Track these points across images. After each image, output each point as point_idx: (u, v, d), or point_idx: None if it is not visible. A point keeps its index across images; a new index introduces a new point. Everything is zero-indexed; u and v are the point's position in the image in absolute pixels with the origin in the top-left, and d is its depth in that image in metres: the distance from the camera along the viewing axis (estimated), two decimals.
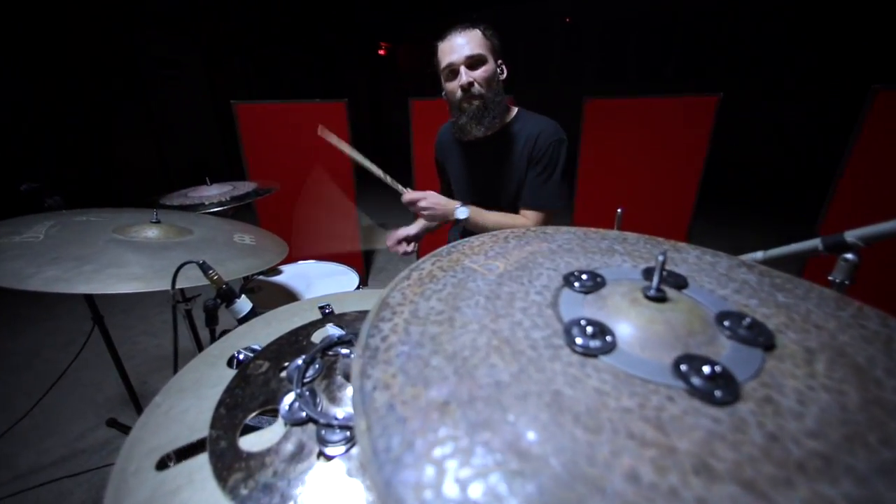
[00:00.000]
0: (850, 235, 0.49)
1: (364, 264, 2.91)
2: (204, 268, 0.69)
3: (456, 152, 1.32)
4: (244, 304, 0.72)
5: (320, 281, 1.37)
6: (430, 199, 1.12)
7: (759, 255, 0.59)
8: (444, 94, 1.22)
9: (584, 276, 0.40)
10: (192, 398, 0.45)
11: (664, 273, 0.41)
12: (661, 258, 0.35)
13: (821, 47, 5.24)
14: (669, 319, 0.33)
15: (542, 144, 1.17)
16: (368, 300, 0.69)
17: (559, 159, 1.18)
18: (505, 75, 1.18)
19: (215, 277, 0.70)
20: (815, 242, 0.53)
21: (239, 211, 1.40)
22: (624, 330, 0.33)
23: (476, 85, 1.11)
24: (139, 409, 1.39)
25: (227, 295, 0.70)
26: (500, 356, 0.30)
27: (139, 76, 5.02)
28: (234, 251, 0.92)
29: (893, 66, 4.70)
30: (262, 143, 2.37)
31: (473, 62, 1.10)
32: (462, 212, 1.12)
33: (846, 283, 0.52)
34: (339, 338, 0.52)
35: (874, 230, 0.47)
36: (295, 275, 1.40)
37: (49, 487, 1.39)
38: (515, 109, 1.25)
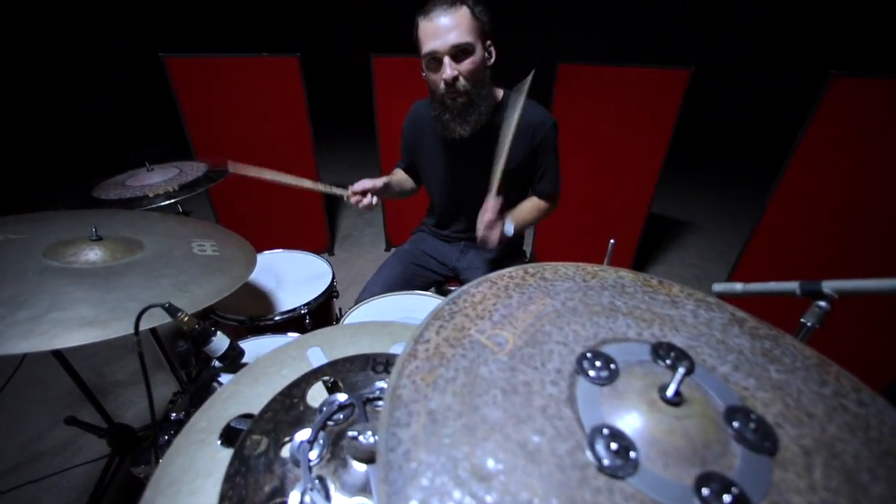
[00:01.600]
0: (827, 286, 0.53)
1: (329, 231, 2.79)
2: (171, 311, 0.62)
3: (434, 141, 1.23)
4: (221, 341, 0.67)
5: (290, 275, 1.30)
6: (491, 230, 1.04)
7: (739, 287, 0.62)
8: (423, 73, 1.10)
9: (597, 363, 0.40)
10: (187, 494, 0.42)
11: (672, 356, 0.42)
12: (681, 370, 0.35)
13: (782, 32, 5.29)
14: (687, 430, 0.34)
15: (542, 133, 1.14)
16: (360, 337, 0.66)
17: (556, 143, 1.17)
18: (493, 59, 1.08)
19: (185, 319, 0.63)
20: (794, 286, 0.57)
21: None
22: (645, 443, 0.34)
23: (461, 80, 1.01)
24: (97, 404, 1.31)
25: (200, 336, 0.64)
26: (530, 479, 0.30)
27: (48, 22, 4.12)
28: (197, 268, 0.83)
29: (851, 52, 4.89)
30: (204, 105, 2.08)
31: (459, 52, 0.99)
32: (509, 228, 1.08)
33: (816, 326, 0.57)
34: (341, 405, 0.50)
35: (851, 285, 0.51)
36: (261, 269, 1.31)
37: (11, 496, 1.32)
38: (501, 93, 1.17)
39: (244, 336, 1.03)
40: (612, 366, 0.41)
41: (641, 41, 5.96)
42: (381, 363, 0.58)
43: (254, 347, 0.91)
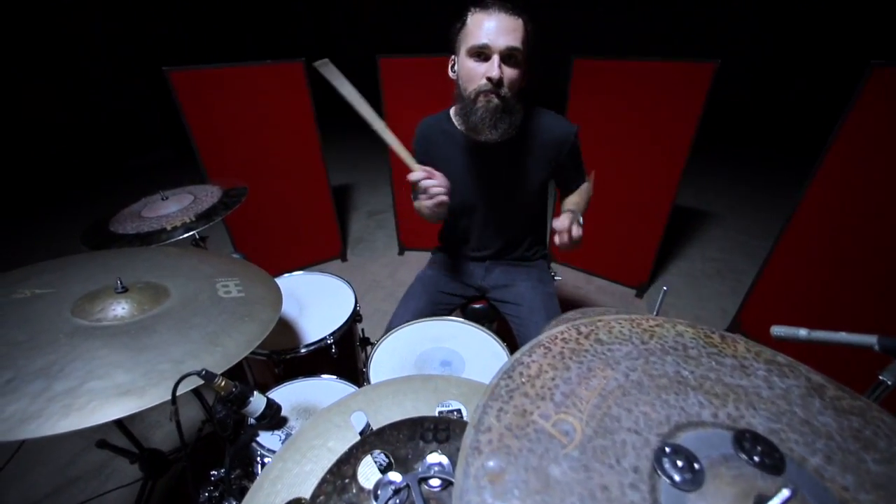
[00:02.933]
0: None
1: (340, 235, 2.77)
2: (207, 378, 0.60)
3: (458, 152, 1.15)
4: (258, 401, 0.65)
5: (312, 300, 1.27)
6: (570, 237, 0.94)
7: (803, 333, 0.58)
8: (453, 68, 1.04)
9: (678, 462, 0.37)
10: None
11: (759, 451, 0.39)
12: (786, 494, 0.32)
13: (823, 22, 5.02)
14: None
15: (569, 142, 1.11)
16: (403, 396, 0.63)
17: (580, 147, 1.16)
18: (525, 82, 1.03)
19: (222, 384, 0.61)
20: (871, 340, 0.53)
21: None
22: None
23: (505, 84, 0.96)
24: (125, 429, 1.32)
25: (238, 399, 0.63)
26: None
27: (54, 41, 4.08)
28: (225, 314, 0.81)
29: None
30: (209, 116, 2.04)
31: (510, 56, 0.94)
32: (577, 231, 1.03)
33: (890, 384, 0.53)
34: (396, 488, 0.47)
35: None
36: (284, 295, 1.28)
37: None
38: (524, 107, 1.12)
39: (274, 376, 1.02)
40: (696, 465, 0.38)
41: (658, 30, 5.74)
42: (430, 429, 0.56)
43: (289, 395, 0.90)
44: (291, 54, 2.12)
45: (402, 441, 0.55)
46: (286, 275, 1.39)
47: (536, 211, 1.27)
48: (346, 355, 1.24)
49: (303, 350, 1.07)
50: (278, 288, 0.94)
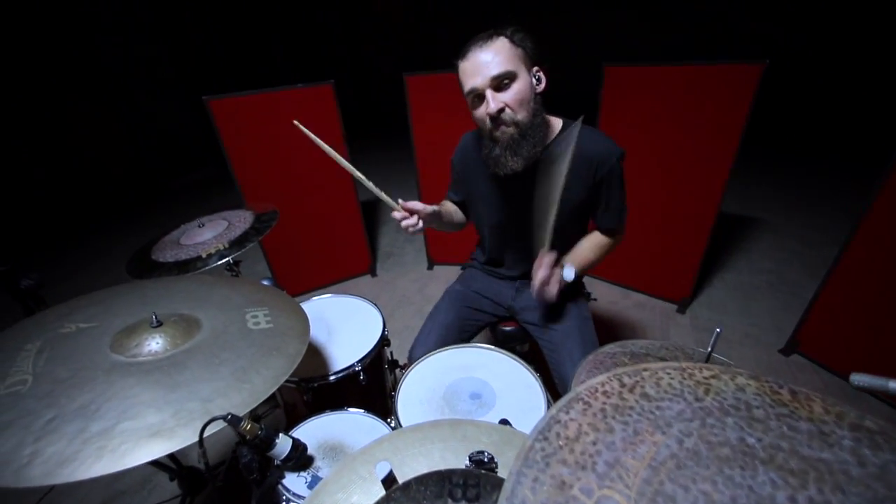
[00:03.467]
0: None
1: (370, 251, 2.79)
2: (233, 422, 0.59)
3: (485, 175, 1.13)
4: (284, 444, 0.64)
5: (341, 325, 1.27)
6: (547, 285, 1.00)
7: (893, 385, 0.50)
8: (473, 115, 1.04)
9: None
10: None
11: None
12: None
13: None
14: None
15: (608, 164, 1.03)
16: (430, 444, 0.60)
17: (623, 175, 1.07)
18: (544, 84, 0.98)
19: (248, 428, 0.60)
20: None
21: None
22: None
23: (507, 110, 0.93)
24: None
25: (264, 443, 0.62)
26: None
27: (100, 69, 4.47)
28: (253, 348, 0.81)
29: None
30: (245, 141, 2.13)
31: (500, 82, 0.92)
32: (569, 274, 1.02)
33: None
34: None
35: None
36: (312, 319, 1.29)
37: None
38: (559, 123, 1.07)
39: (303, 401, 1.01)
40: None
41: (703, 32, 5.48)
42: (459, 485, 0.52)
43: (315, 431, 0.89)
44: (321, 73, 2.18)
45: (429, 498, 0.52)
46: (314, 298, 1.40)
47: (571, 233, 1.19)
48: (374, 379, 1.22)
49: (332, 378, 1.06)
50: (306, 318, 0.94)
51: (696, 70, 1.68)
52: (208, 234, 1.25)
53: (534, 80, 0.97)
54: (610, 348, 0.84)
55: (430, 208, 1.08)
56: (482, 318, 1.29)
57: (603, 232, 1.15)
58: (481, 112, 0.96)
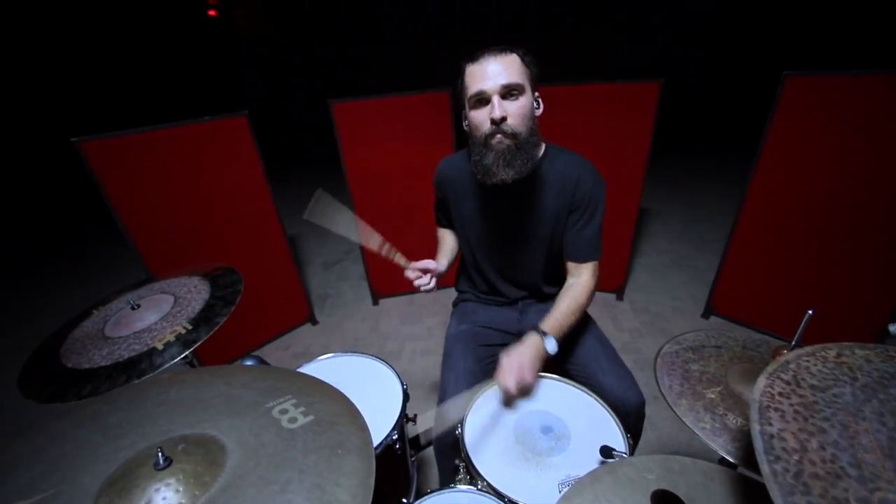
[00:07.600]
0: None
1: (306, 297, 2.48)
2: None
3: (472, 194, 1.15)
4: None
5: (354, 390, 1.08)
6: (519, 373, 0.92)
7: None
8: (465, 123, 1.04)
9: None
10: None
11: None
12: None
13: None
14: None
15: (586, 189, 1.06)
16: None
17: (602, 203, 1.09)
18: (541, 110, 1.02)
19: None
20: None
21: None
22: None
23: (510, 121, 0.93)
24: None
25: None
26: None
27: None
28: (313, 453, 0.61)
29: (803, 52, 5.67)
30: (137, 188, 1.71)
31: (509, 92, 0.93)
32: (552, 345, 0.98)
33: None
34: None
35: None
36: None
37: None
38: (543, 145, 1.10)
39: None
40: None
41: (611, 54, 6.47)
42: None
43: None
44: (234, 106, 1.88)
45: None
46: (314, 362, 1.17)
47: (558, 269, 1.18)
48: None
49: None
50: (343, 395, 0.76)
51: (605, 88, 1.97)
52: (152, 317, 0.93)
53: (534, 103, 1.00)
54: (669, 347, 0.87)
55: (442, 265, 1.17)
56: (496, 352, 1.23)
57: (575, 261, 1.11)
58: (483, 115, 0.95)
